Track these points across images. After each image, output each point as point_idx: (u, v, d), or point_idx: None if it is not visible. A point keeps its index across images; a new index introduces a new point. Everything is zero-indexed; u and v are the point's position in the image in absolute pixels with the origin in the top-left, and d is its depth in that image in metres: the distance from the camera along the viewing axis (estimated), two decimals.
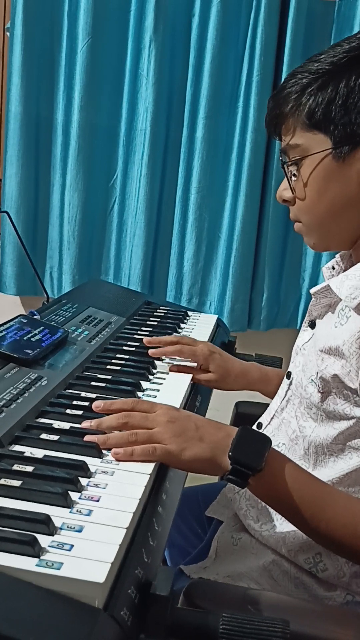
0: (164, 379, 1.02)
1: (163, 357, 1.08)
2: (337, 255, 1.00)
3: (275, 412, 0.99)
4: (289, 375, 0.98)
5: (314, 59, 0.87)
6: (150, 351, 1.08)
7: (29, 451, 0.71)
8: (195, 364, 1.08)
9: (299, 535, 0.83)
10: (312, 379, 0.87)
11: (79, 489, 0.64)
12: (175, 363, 1.07)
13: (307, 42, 2.04)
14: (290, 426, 0.94)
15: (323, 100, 0.84)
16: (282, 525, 0.89)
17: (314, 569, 0.86)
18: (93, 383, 0.94)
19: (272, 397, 1.13)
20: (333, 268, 0.99)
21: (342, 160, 0.84)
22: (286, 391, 0.98)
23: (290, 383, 0.97)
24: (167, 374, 1.04)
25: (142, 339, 1.19)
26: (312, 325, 0.95)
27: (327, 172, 0.86)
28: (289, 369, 0.99)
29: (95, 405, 0.81)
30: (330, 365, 0.84)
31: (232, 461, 0.73)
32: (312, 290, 0.92)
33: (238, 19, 2.02)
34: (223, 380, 1.10)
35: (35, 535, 0.54)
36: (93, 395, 0.88)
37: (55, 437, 0.74)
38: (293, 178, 0.89)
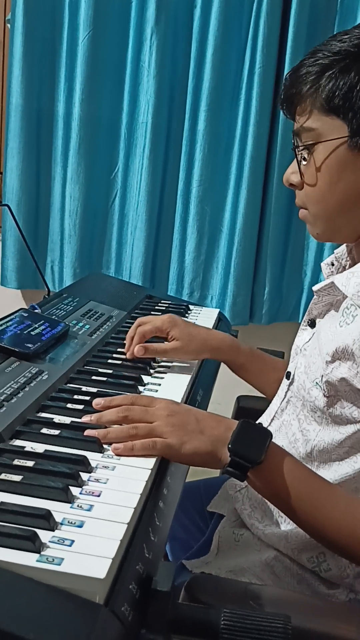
0: (166, 373, 1.02)
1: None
2: (336, 251, 0.98)
3: (275, 414, 0.98)
4: (288, 375, 0.96)
5: (337, 38, 0.82)
6: (128, 355, 1.03)
7: (30, 446, 0.71)
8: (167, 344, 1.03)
9: (302, 533, 0.82)
10: (316, 382, 0.85)
11: (80, 484, 0.64)
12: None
13: (310, 34, 2.02)
14: (290, 428, 0.92)
15: (344, 85, 0.79)
16: (286, 524, 0.88)
17: (317, 568, 0.86)
18: (94, 377, 0.94)
19: (241, 372, 1.11)
20: (332, 264, 0.97)
21: (358, 150, 0.81)
22: (286, 392, 0.96)
23: (291, 383, 0.95)
24: (169, 368, 1.03)
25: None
26: (312, 324, 0.93)
27: (341, 161, 0.82)
28: (288, 369, 0.97)
29: (96, 402, 0.80)
30: (336, 369, 0.82)
31: (231, 453, 0.72)
32: (314, 288, 0.89)
33: (240, 10, 2.01)
34: (187, 347, 1.03)
35: (36, 530, 0.54)
36: (94, 390, 0.88)
37: (56, 432, 0.74)
38: (303, 162, 0.86)
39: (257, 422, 1.00)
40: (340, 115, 0.81)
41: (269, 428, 0.97)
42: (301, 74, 0.83)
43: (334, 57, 0.81)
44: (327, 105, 0.81)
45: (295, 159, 0.88)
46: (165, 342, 1.04)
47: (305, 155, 0.85)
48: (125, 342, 1.06)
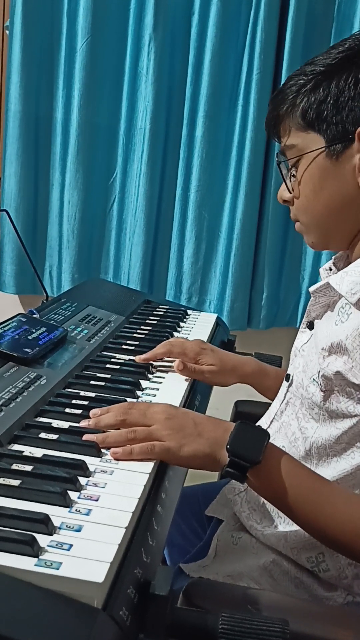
0: (164, 377, 1.02)
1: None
2: (334, 257, 1.00)
3: (275, 416, 0.99)
4: (287, 377, 0.98)
5: (310, 61, 0.89)
6: (139, 358, 1.04)
7: (28, 450, 0.71)
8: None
9: (302, 533, 0.83)
10: (313, 379, 0.87)
11: (78, 488, 0.64)
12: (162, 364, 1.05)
13: (307, 40, 2.03)
14: (290, 428, 0.93)
15: (315, 100, 0.86)
16: (285, 524, 0.89)
17: (315, 568, 0.86)
18: (92, 382, 0.94)
19: (268, 394, 1.12)
20: (330, 269, 1.00)
21: (336, 158, 0.86)
22: (285, 394, 0.97)
23: (290, 385, 0.96)
24: (167, 373, 1.04)
25: (142, 337, 1.19)
26: (311, 326, 0.94)
27: (322, 170, 0.87)
28: (287, 371, 0.98)
29: (93, 413, 0.80)
30: (332, 363, 0.83)
31: (229, 454, 0.72)
32: (311, 289, 0.91)
33: (238, 17, 2.02)
34: (217, 373, 1.07)
35: (34, 534, 0.54)
36: (92, 394, 0.88)
37: (55, 436, 0.74)
38: (292, 179, 0.91)
39: (256, 424, 1.01)
40: (315, 128, 0.87)
41: (269, 430, 0.98)
42: (281, 97, 0.90)
43: (307, 77, 0.88)
44: (303, 121, 0.87)
45: (282, 178, 0.93)
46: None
47: (294, 173, 0.90)
48: (125, 346, 1.08)
